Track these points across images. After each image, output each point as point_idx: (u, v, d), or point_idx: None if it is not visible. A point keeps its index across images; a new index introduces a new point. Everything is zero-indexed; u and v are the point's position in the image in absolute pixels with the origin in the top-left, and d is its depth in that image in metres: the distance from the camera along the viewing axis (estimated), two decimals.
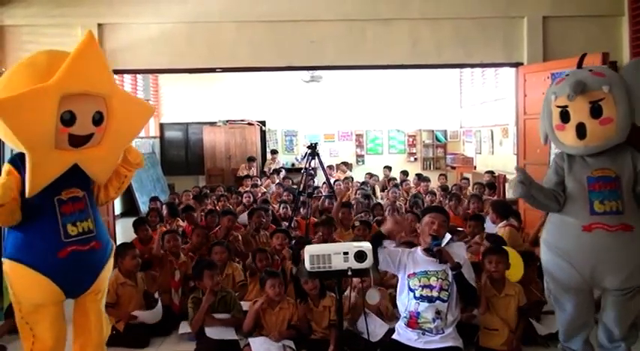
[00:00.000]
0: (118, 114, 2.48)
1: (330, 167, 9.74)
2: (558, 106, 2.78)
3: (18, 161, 2.37)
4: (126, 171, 2.71)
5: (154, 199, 7.16)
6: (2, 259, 2.52)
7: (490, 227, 4.77)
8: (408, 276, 2.85)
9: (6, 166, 2.41)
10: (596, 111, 2.66)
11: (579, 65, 2.91)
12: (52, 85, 2.21)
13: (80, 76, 2.28)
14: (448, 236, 2.91)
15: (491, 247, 3.50)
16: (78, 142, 2.39)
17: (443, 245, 2.78)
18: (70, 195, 2.49)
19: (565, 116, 2.76)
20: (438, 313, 2.74)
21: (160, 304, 3.82)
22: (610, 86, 2.65)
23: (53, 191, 2.43)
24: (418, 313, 2.79)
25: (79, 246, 2.47)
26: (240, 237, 5.05)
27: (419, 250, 2.89)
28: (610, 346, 2.88)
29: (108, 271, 2.69)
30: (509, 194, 7.30)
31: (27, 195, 2.32)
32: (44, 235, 2.42)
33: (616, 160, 2.72)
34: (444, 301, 2.75)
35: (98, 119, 2.43)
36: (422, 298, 2.78)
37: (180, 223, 5.93)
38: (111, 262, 2.71)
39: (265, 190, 8.44)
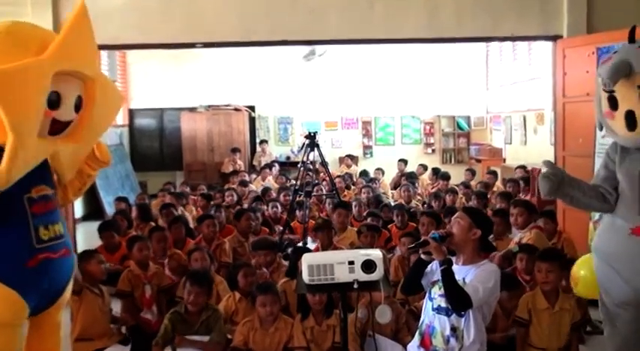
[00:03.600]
0: (98, 101, 2.49)
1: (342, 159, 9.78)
2: (605, 91, 2.77)
3: None
4: (90, 170, 2.71)
5: (121, 200, 7.16)
6: None
7: (514, 232, 4.78)
8: (431, 283, 2.89)
9: None
10: None
11: (631, 39, 2.89)
12: (47, 60, 2.22)
13: (74, 53, 2.31)
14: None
15: (540, 254, 3.52)
16: (57, 129, 2.40)
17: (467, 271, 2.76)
18: (40, 193, 2.48)
19: (613, 102, 2.75)
20: (453, 329, 2.75)
21: None
22: None
23: (22, 188, 2.39)
24: (433, 329, 2.82)
25: (50, 253, 2.47)
26: (227, 244, 5.05)
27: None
28: None
29: (71, 283, 2.71)
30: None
31: (0, 187, 2.26)
32: (13, 241, 2.39)
33: None
34: (461, 315, 2.76)
35: (77, 105, 2.45)
36: (439, 309, 2.81)
37: None
38: (74, 272, 2.72)
39: (255, 188, 8.45)
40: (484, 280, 2.72)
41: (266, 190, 7.36)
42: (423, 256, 2.85)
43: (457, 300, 2.69)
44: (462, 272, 2.79)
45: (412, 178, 8.85)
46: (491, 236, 4.67)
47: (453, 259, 2.86)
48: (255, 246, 4.58)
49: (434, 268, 2.89)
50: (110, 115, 2.70)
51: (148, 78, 11.79)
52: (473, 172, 9.11)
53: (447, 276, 2.71)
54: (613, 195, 2.79)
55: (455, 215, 2.92)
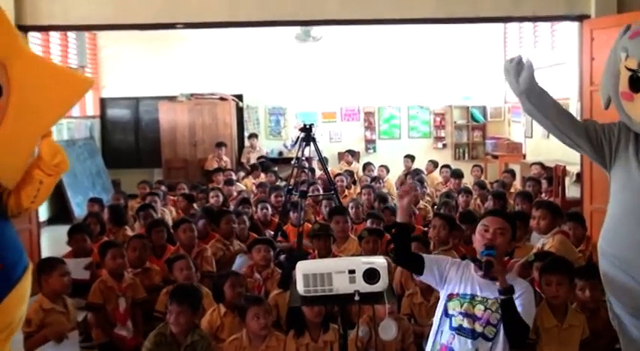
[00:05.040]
0: (26, 85, 2.41)
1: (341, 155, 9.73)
2: (629, 69, 2.75)
3: None
4: (42, 174, 2.56)
5: (94, 201, 7.15)
6: None
7: (534, 237, 4.78)
8: (449, 296, 2.83)
9: None
10: None
11: None
12: None
13: None
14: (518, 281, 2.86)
15: (549, 264, 3.53)
16: None
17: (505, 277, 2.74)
18: None
19: (636, 84, 2.73)
20: None
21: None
22: None
23: None
24: (451, 350, 2.79)
25: None
26: (209, 251, 5.06)
27: (473, 266, 2.88)
28: None
29: (17, 299, 2.56)
30: (570, 190, 7.27)
31: None
32: None
33: None
34: (488, 339, 2.73)
35: None
36: (460, 330, 2.75)
37: (129, 232, 5.91)
38: (24, 286, 2.58)
39: (244, 188, 8.44)
40: (529, 303, 2.75)
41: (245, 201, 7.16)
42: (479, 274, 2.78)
43: (517, 332, 2.68)
44: (489, 289, 2.76)
45: (418, 174, 8.82)
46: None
47: (472, 269, 2.83)
48: (253, 243, 4.63)
49: (450, 275, 2.85)
50: (55, 102, 2.55)
51: (121, 63, 11.74)
52: (481, 169, 9.11)
53: (510, 308, 2.67)
54: (572, 136, 2.85)
55: (494, 222, 2.81)
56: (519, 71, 2.85)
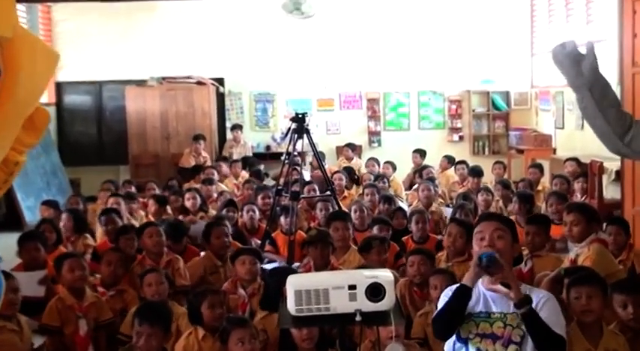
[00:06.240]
0: (23, 64, 2.46)
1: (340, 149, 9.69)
2: None
3: None
4: (17, 155, 2.65)
5: (49, 205, 7.14)
6: None
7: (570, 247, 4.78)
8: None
9: None
10: None
11: None
12: None
13: None
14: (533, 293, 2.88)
15: (578, 276, 3.53)
16: None
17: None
18: None
19: None
20: None
21: None
22: None
23: None
24: None
25: None
26: (181, 262, 5.04)
27: (481, 280, 2.89)
28: None
29: None
30: (608, 190, 7.26)
31: None
32: None
33: None
34: None
35: None
36: None
37: (90, 241, 5.91)
38: None
39: (227, 188, 8.43)
40: (556, 312, 2.77)
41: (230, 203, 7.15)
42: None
43: (549, 345, 2.70)
44: (505, 303, 2.79)
45: (426, 171, 8.83)
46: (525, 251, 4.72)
47: (480, 284, 2.85)
48: (236, 254, 4.63)
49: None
50: (43, 80, 2.66)
51: (81, 41, 11.71)
52: (504, 166, 9.11)
53: (535, 321, 2.70)
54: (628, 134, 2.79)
55: (488, 227, 2.87)
56: (577, 59, 2.79)
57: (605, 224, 4.96)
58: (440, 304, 2.90)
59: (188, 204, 6.99)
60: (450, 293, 2.85)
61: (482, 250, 2.79)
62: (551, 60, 2.81)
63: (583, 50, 2.78)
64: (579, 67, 2.76)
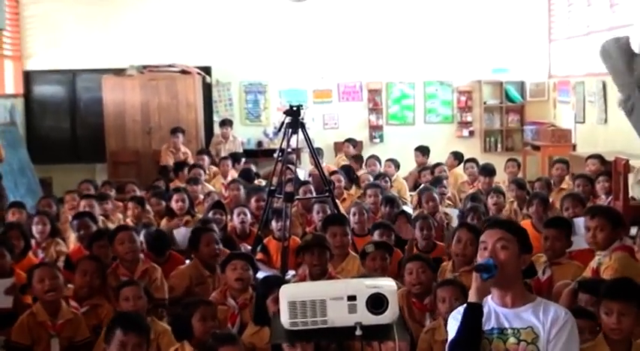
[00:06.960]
0: None
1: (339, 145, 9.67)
2: None
3: None
4: None
5: (15, 207, 7.13)
6: None
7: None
8: None
9: None
10: None
11: None
12: None
13: None
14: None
15: (611, 287, 3.51)
16: None
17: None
18: None
19: None
20: None
21: None
22: None
23: None
24: None
25: None
26: (159, 272, 5.04)
27: (490, 296, 2.92)
28: None
29: None
30: (635, 191, 7.28)
31: None
32: None
33: None
34: None
35: None
36: None
37: (63, 248, 5.92)
38: None
39: (214, 189, 8.43)
40: (575, 340, 2.81)
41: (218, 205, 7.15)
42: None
43: None
44: (517, 318, 2.81)
45: (438, 168, 8.85)
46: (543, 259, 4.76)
47: (490, 300, 2.89)
48: (227, 259, 4.64)
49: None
50: None
51: (52, 26, 11.73)
52: (518, 164, 9.13)
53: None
54: None
55: (492, 236, 2.89)
56: (630, 55, 2.79)
57: (637, 229, 4.96)
58: (451, 330, 2.90)
59: (175, 206, 6.97)
60: (460, 316, 2.86)
61: (480, 260, 2.84)
62: (599, 53, 2.82)
63: (637, 48, 2.78)
64: (631, 65, 2.77)
